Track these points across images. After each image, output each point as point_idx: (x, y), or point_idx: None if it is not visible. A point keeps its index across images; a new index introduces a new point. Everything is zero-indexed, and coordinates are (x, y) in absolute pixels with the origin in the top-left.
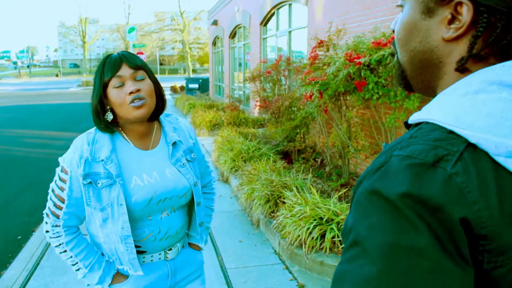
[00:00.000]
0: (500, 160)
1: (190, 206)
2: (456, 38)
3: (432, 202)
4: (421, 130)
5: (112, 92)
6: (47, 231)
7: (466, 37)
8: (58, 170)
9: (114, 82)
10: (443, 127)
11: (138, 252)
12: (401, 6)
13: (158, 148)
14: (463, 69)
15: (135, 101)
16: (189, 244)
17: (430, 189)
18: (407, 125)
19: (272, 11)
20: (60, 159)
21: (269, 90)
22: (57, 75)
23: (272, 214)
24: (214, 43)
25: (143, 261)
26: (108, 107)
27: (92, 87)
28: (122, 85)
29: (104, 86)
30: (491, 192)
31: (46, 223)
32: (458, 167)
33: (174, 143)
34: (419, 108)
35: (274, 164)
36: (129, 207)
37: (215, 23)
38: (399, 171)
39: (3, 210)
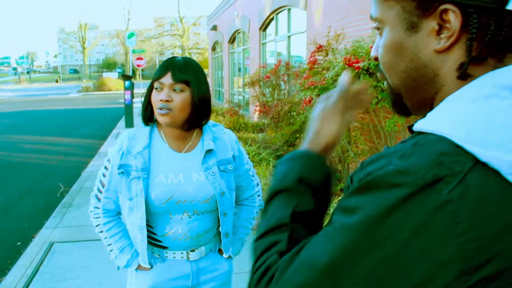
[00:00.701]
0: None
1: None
2: (449, 47)
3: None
4: (428, 139)
5: (153, 92)
6: (90, 211)
7: (459, 43)
8: (105, 158)
9: (156, 84)
10: (451, 140)
11: (160, 247)
12: (379, 28)
13: (192, 153)
14: (465, 75)
15: (161, 109)
16: (219, 249)
17: (415, 215)
18: (411, 130)
19: (271, 16)
20: (109, 149)
21: (268, 95)
22: (56, 81)
23: None
24: (213, 48)
25: (166, 256)
26: None
27: (91, 93)
28: (161, 89)
29: (152, 83)
30: (487, 221)
31: (91, 204)
32: (454, 193)
33: (209, 151)
34: None
35: (274, 169)
36: (149, 201)
37: (214, 28)
38: (389, 188)
39: (2, 216)
